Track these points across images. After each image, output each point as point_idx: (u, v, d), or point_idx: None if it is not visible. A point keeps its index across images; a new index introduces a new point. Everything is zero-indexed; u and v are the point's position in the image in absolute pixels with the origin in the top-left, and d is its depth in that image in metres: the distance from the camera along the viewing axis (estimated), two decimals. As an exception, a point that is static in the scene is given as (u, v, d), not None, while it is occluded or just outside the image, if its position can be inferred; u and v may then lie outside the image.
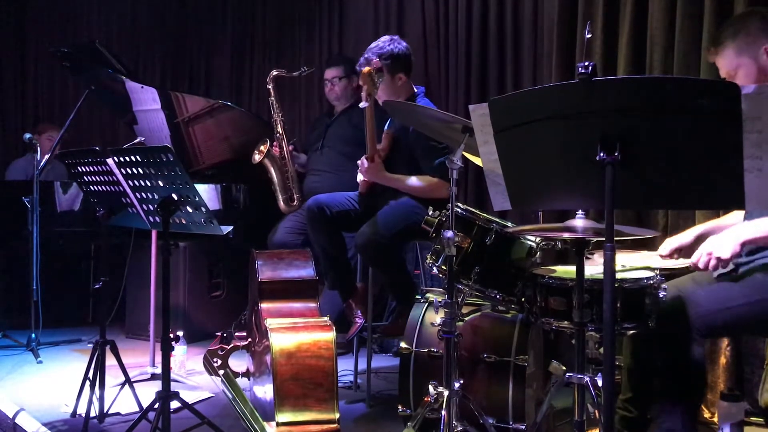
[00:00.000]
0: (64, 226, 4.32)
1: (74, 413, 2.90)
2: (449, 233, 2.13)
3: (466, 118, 2.13)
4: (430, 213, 2.45)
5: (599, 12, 3.31)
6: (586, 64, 1.46)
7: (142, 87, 4.42)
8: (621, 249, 2.45)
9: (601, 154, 1.49)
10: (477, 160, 2.57)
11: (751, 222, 2.02)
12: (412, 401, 2.53)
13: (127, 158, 2.41)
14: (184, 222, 2.43)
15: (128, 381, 2.88)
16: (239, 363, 3.14)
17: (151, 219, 2.58)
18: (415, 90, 3.29)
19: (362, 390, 3.24)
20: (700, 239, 2.29)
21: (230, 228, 4.02)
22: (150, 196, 2.46)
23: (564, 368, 2.02)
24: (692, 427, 2.01)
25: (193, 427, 2.67)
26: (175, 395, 2.38)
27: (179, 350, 3.51)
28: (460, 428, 2.19)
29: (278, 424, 2.33)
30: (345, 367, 3.46)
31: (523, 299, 2.24)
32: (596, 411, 1.94)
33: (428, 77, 4.34)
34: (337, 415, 2.37)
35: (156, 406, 2.33)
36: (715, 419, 2.61)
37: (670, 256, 2.24)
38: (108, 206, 2.75)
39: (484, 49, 4.04)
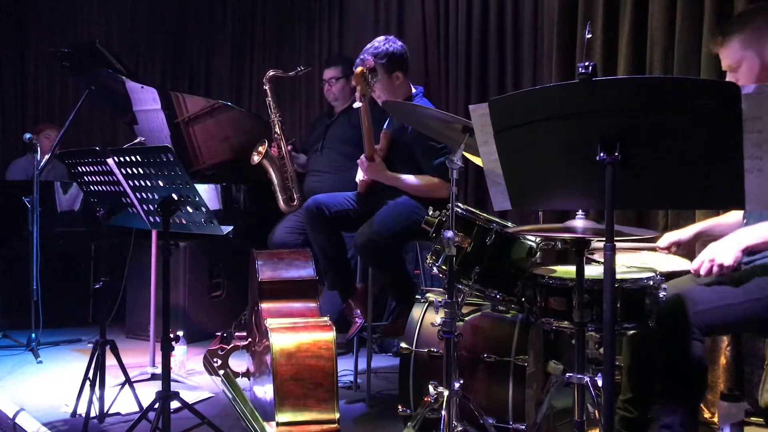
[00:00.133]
0: (65, 226, 4.32)
1: (74, 413, 2.89)
2: (449, 233, 2.13)
3: (466, 118, 2.13)
4: (431, 213, 2.45)
5: (599, 12, 3.31)
6: (586, 64, 1.46)
7: (142, 87, 4.42)
8: (621, 250, 2.45)
9: (601, 154, 1.49)
10: (477, 160, 2.57)
11: (753, 227, 2.02)
12: (412, 401, 2.53)
13: (128, 158, 2.41)
14: (184, 222, 2.43)
15: (128, 381, 2.88)
16: (239, 363, 3.14)
17: (151, 219, 2.58)
18: (413, 90, 3.30)
19: (362, 390, 3.24)
20: (698, 237, 2.30)
21: (230, 228, 4.02)
22: (150, 196, 2.46)
23: (562, 367, 2.02)
24: (692, 427, 2.01)
25: (193, 427, 2.67)
26: (175, 395, 2.38)
27: (179, 350, 3.51)
28: (460, 428, 2.18)
29: (278, 424, 2.33)
30: (345, 367, 3.46)
31: (523, 299, 2.24)
32: (596, 411, 1.93)
33: (428, 77, 4.34)
34: (337, 415, 2.37)
35: (156, 406, 2.33)
36: (715, 419, 2.61)
37: (668, 248, 2.25)
38: (108, 206, 2.75)
39: (484, 49, 4.04)
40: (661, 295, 2.00)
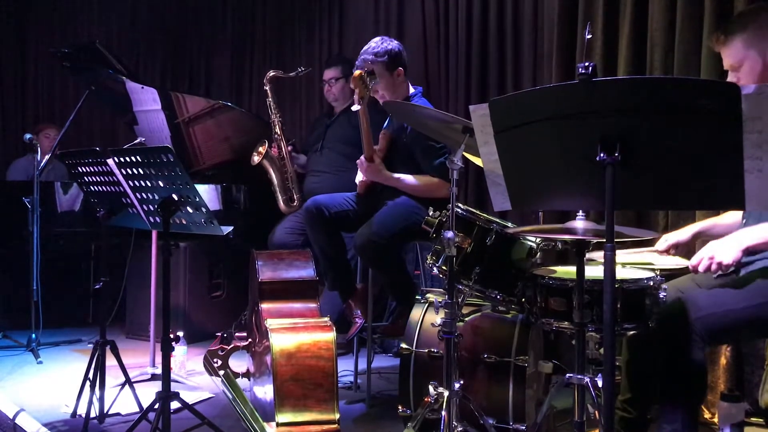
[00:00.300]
0: (65, 226, 4.32)
1: (74, 414, 2.89)
2: (449, 233, 2.13)
3: (466, 119, 2.13)
4: (431, 213, 2.45)
5: (599, 12, 3.31)
6: (587, 64, 1.46)
7: (143, 87, 4.42)
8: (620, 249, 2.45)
9: (602, 155, 1.49)
10: (477, 161, 2.57)
11: (754, 228, 2.02)
12: (412, 401, 2.53)
13: (128, 158, 2.41)
14: (184, 222, 2.43)
15: (128, 381, 2.88)
16: (239, 363, 3.14)
17: (151, 219, 2.58)
18: (412, 89, 3.30)
19: (362, 390, 3.24)
20: (697, 237, 2.29)
21: (230, 228, 4.02)
22: (150, 197, 2.46)
23: (551, 364, 2.02)
24: (693, 427, 2.01)
25: (193, 427, 2.67)
26: (176, 396, 2.38)
27: (179, 350, 3.51)
28: (460, 429, 2.18)
29: (278, 425, 2.33)
30: (345, 368, 3.46)
31: (523, 300, 2.24)
32: (596, 412, 1.94)
33: (428, 77, 4.34)
34: (337, 416, 2.37)
35: (156, 406, 2.33)
36: (716, 420, 2.61)
37: (667, 251, 2.24)
38: (108, 206, 2.75)
39: (484, 49, 4.04)
40: (661, 296, 2.00)
